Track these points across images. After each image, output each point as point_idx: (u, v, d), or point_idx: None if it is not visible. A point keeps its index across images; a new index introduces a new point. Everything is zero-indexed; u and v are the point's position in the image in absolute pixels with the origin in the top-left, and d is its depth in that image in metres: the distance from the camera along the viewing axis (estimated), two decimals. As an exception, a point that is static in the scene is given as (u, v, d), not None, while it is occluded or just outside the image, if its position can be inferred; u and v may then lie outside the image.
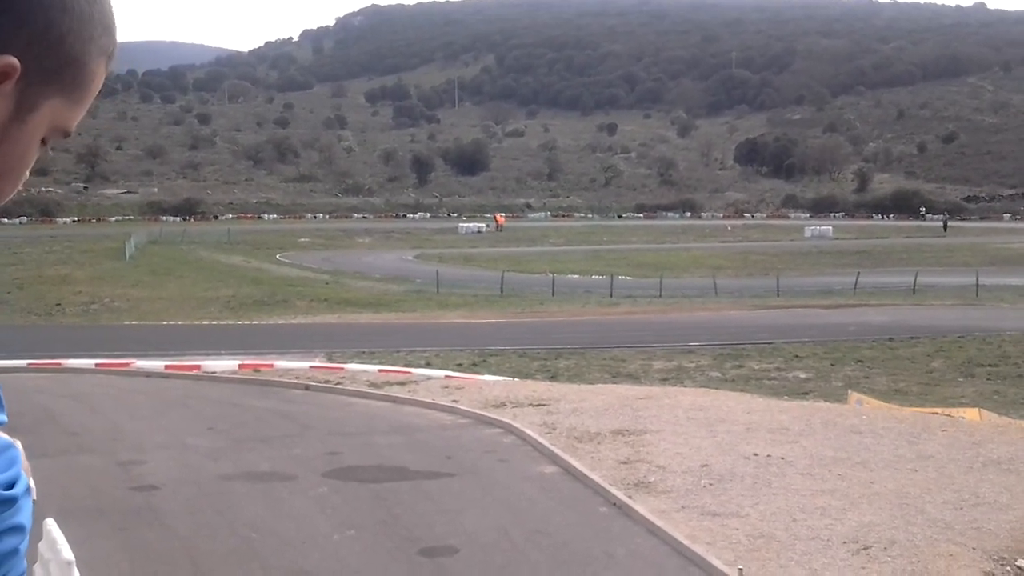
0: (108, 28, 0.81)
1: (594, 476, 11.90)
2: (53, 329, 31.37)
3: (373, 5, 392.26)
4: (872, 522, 9.94)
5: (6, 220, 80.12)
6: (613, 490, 11.29)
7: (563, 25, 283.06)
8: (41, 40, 0.75)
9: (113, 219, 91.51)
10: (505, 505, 11.26)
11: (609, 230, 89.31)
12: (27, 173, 0.83)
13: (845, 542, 9.44)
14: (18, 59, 0.73)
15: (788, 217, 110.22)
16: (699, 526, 10.04)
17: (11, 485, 0.89)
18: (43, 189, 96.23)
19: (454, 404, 16.45)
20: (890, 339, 27.83)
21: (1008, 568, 8.89)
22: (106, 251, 56.83)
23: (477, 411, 15.87)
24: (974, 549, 9.21)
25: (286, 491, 11.81)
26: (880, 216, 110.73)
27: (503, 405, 16.17)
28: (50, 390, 18.01)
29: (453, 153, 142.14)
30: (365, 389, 18.25)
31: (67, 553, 6.33)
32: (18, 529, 0.90)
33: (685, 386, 20.02)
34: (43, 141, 0.82)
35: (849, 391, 18.52)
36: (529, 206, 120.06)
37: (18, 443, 0.94)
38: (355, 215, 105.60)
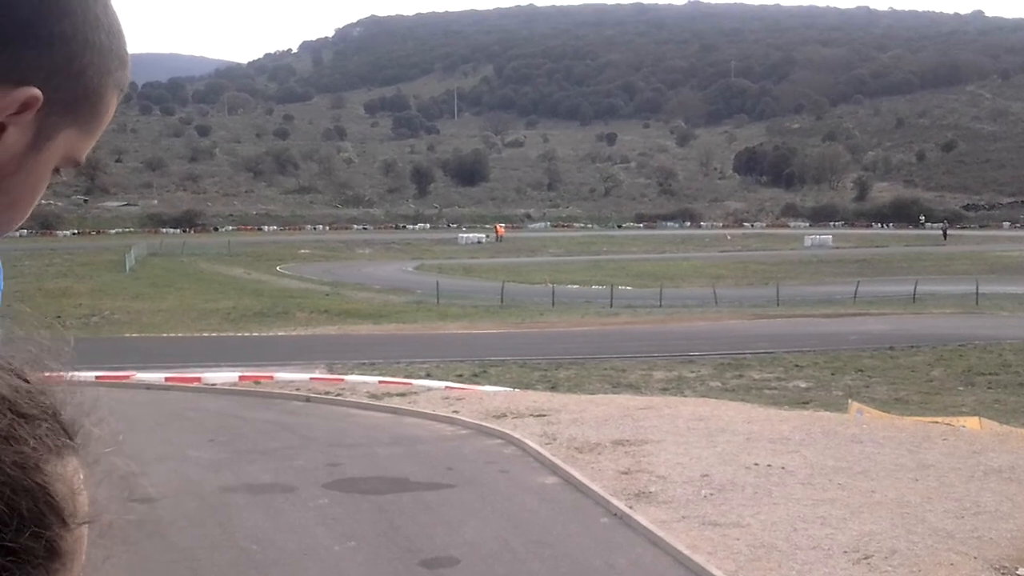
0: (124, 62, 0.84)
1: (595, 486, 11.89)
2: (53, 342, 31.33)
3: (372, 16, 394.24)
4: (873, 531, 9.94)
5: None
6: (614, 500, 11.28)
7: (561, 35, 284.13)
8: (62, 72, 0.76)
9: (113, 231, 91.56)
10: (506, 516, 11.25)
11: (609, 240, 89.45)
12: (37, 202, 0.86)
13: (846, 551, 9.43)
14: (39, 90, 0.74)
15: (788, 226, 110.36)
16: (700, 536, 10.04)
17: None
18: (43, 202, 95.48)
19: (455, 415, 16.44)
20: (890, 348, 27.81)
21: (1009, 577, 8.88)
22: (106, 263, 56.87)
23: (478, 422, 15.85)
24: (975, 558, 9.20)
25: (287, 503, 11.81)
26: (880, 225, 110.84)
27: (504, 416, 16.17)
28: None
29: (453, 164, 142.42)
30: (366, 400, 18.25)
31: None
32: None
33: (685, 396, 20.01)
34: (55, 171, 0.85)
35: (849, 400, 18.49)
36: (529, 216, 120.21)
37: None
38: (355, 226, 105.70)
